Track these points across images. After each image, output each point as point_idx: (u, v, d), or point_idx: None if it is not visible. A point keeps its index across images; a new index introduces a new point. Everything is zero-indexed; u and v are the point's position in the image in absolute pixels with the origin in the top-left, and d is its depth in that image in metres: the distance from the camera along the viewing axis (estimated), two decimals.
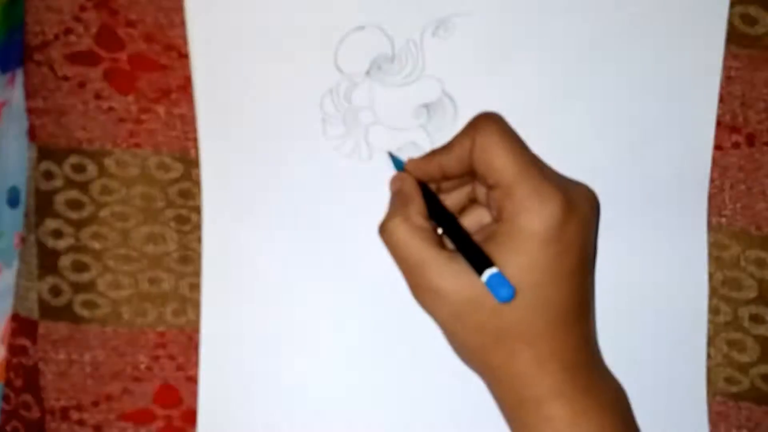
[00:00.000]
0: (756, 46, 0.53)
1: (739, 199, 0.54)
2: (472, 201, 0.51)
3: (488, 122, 0.47)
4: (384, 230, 0.48)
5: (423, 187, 0.50)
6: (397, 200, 0.49)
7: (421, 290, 0.47)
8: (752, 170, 0.54)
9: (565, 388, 0.46)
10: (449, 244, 0.48)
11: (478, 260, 0.45)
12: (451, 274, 0.45)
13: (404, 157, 0.52)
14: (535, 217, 0.45)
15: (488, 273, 0.44)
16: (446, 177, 0.50)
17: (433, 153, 0.50)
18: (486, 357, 0.47)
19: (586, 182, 0.50)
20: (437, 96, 0.53)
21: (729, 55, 0.53)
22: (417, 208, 0.48)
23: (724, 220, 0.54)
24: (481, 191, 0.50)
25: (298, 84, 0.53)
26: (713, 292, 0.54)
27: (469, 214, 0.51)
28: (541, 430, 0.46)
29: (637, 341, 0.54)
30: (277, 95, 0.53)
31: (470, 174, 0.49)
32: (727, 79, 0.53)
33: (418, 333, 0.53)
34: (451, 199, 0.51)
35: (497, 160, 0.46)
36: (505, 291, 0.43)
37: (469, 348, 0.48)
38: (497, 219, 0.47)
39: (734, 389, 0.54)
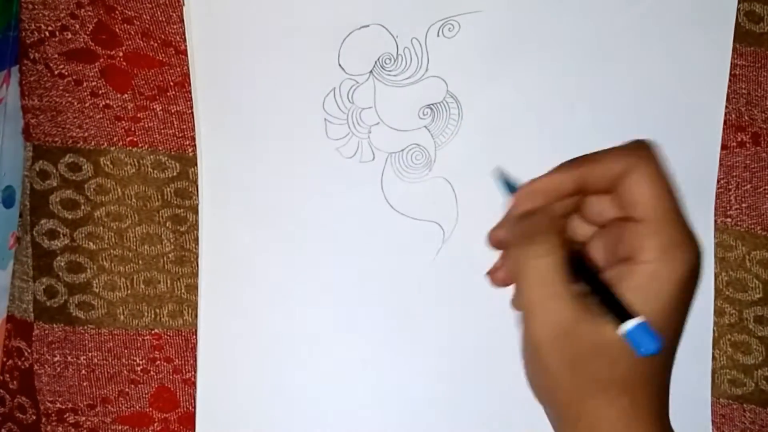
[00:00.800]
0: (761, 44, 0.53)
1: (744, 199, 0.53)
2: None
3: (651, 152, 0.43)
4: (526, 259, 0.43)
5: None
6: (538, 228, 0.44)
7: (544, 327, 0.43)
8: (758, 169, 0.53)
9: None
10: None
11: (618, 309, 0.41)
12: (582, 317, 0.42)
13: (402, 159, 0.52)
14: (679, 262, 0.41)
15: (634, 323, 0.40)
16: (573, 193, 0.45)
17: (570, 167, 0.45)
18: (582, 403, 0.44)
19: None
20: (441, 96, 0.53)
21: (734, 53, 0.53)
22: (561, 239, 0.43)
23: (729, 220, 0.53)
24: (575, 224, 0.46)
25: (300, 83, 0.53)
26: (718, 293, 0.54)
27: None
28: None
29: None
30: (279, 94, 0.53)
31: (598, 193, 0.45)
32: (732, 78, 0.53)
33: (419, 335, 0.53)
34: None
35: (654, 194, 0.42)
36: (654, 344, 0.40)
37: (558, 385, 0.44)
38: (631, 258, 0.43)
39: (739, 391, 0.54)
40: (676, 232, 0.42)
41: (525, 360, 0.45)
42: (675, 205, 0.43)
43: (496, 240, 0.46)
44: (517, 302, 0.44)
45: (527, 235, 0.44)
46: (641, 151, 0.44)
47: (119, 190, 0.54)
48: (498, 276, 0.46)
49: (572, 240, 0.46)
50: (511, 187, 0.46)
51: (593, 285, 0.43)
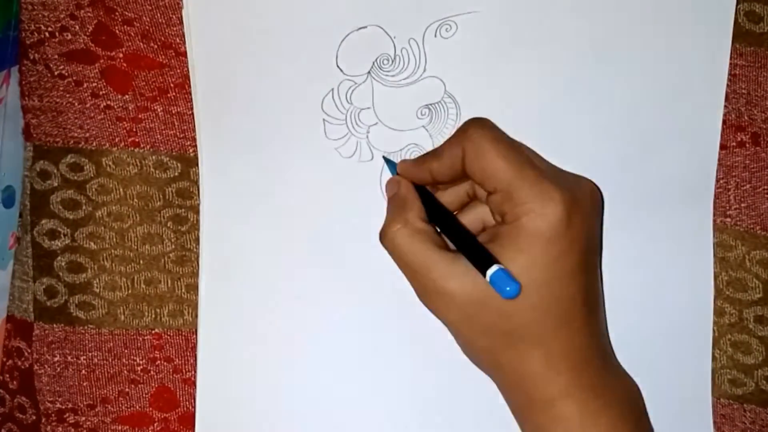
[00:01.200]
0: (761, 44, 0.53)
1: (744, 199, 0.53)
2: (472, 198, 0.51)
3: (477, 128, 0.47)
4: (384, 236, 0.48)
5: (420, 188, 0.49)
6: (395, 205, 0.49)
7: (427, 294, 0.47)
8: (757, 169, 0.53)
9: (575, 388, 0.45)
10: (452, 246, 0.47)
11: (482, 259, 0.44)
12: (456, 275, 0.45)
13: (401, 159, 0.52)
14: (537, 218, 0.44)
15: (492, 270, 0.43)
16: (437, 182, 0.49)
17: (424, 158, 0.50)
18: (495, 358, 0.47)
19: None
20: (439, 96, 0.53)
21: (734, 52, 0.53)
22: (416, 211, 0.48)
23: (729, 220, 0.53)
24: (480, 190, 0.49)
25: (300, 84, 0.53)
26: (718, 293, 0.53)
27: (470, 211, 0.50)
28: (553, 430, 0.46)
29: (642, 343, 0.53)
30: (278, 95, 0.53)
31: (464, 179, 0.49)
32: (732, 77, 0.53)
33: (419, 334, 0.53)
34: (449, 197, 0.51)
35: (491, 166, 0.45)
36: (510, 287, 0.43)
37: (478, 350, 0.47)
38: (500, 222, 0.46)
39: (739, 391, 0.54)
40: (528, 190, 0.45)
41: (453, 336, 0.48)
42: (520, 167, 0.45)
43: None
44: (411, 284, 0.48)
45: (387, 218, 0.48)
46: (469, 132, 0.47)
47: (121, 190, 0.54)
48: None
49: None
50: (393, 167, 0.52)
51: (458, 242, 0.46)
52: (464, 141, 0.47)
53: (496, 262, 0.44)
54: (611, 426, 0.45)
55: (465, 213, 0.50)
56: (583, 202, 0.46)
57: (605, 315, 0.50)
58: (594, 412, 0.45)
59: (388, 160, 0.52)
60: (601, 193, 0.49)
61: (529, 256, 0.44)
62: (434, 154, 0.49)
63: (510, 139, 0.48)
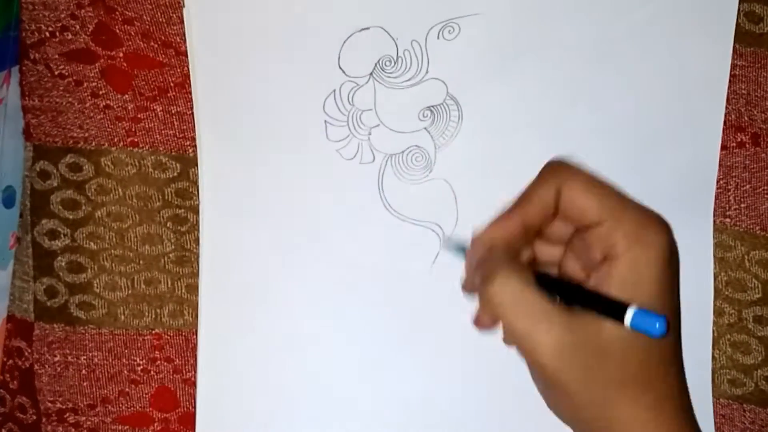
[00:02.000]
0: (761, 44, 0.53)
1: (743, 200, 0.53)
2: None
3: (568, 167, 0.44)
4: (491, 282, 0.42)
5: None
6: (494, 258, 0.44)
7: (543, 348, 0.42)
8: (757, 170, 0.53)
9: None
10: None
11: (609, 306, 0.41)
12: (577, 327, 0.42)
13: (403, 161, 0.52)
14: (654, 243, 0.42)
15: (631, 312, 0.40)
16: (526, 233, 0.46)
17: (511, 212, 0.46)
18: (607, 411, 0.43)
19: None
20: (441, 98, 0.53)
21: (734, 53, 0.53)
22: (521, 265, 0.44)
23: (728, 220, 0.53)
24: (543, 250, 0.47)
25: (301, 85, 0.53)
26: (717, 293, 0.54)
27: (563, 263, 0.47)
28: None
29: None
30: (279, 96, 0.53)
31: (543, 229, 0.46)
32: (732, 78, 0.53)
33: (419, 334, 0.53)
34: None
35: (593, 199, 0.43)
36: (659, 323, 0.39)
37: (586, 402, 0.43)
38: (605, 257, 0.43)
39: (738, 391, 0.54)
40: (636, 218, 0.42)
41: (540, 390, 0.45)
42: (620, 195, 0.43)
43: (468, 291, 0.46)
44: (507, 337, 0.43)
45: (487, 274, 0.43)
46: (557, 168, 0.44)
47: (120, 190, 0.54)
48: (482, 321, 0.45)
49: (546, 264, 0.46)
50: (462, 248, 0.47)
51: (576, 297, 0.43)
52: (556, 178, 0.44)
53: (627, 304, 0.40)
54: None
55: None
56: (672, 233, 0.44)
57: None
58: None
59: (453, 242, 0.49)
60: None
61: (655, 285, 0.41)
62: (521, 204, 0.46)
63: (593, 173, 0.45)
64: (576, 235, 0.45)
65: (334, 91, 0.53)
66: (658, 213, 0.44)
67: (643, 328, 0.39)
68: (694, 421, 0.44)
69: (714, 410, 0.54)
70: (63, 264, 0.54)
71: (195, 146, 0.53)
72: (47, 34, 0.52)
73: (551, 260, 0.47)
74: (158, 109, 0.53)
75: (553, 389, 0.44)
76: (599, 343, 0.41)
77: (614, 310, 0.40)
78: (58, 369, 0.54)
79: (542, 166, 0.45)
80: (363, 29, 0.52)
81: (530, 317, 0.42)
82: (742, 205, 0.53)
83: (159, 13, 0.53)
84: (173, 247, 0.54)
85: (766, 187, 0.53)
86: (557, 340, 0.41)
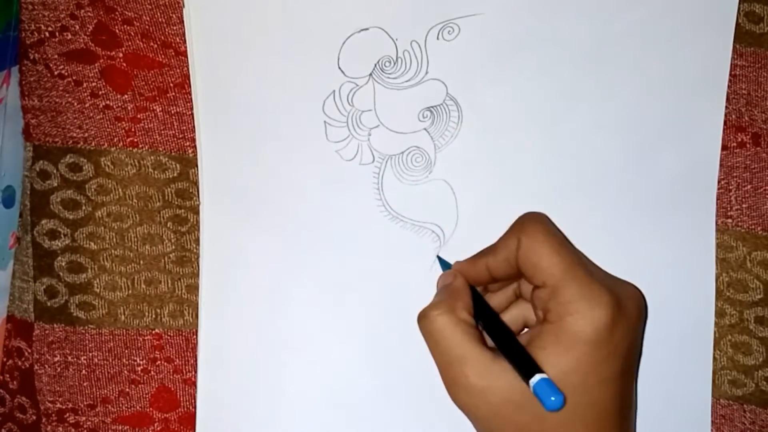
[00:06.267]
0: (761, 44, 0.53)
1: (745, 200, 0.53)
2: (518, 297, 0.50)
3: (534, 222, 0.46)
4: (425, 317, 0.46)
5: (470, 288, 0.49)
6: (445, 292, 0.48)
7: (457, 387, 0.45)
8: (758, 170, 0.53)
9: None
10: (490, 343, 0.47)
11: (525, 365, 0.43)
12: (494, 375, 0.44)
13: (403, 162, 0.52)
14: (582, 320, 0.43)
15: (536, 379, 0.42)
16: (493, 279, 0.49)
17: (479, 255, 0.49)
18: None
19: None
20: (441, 99, 0.53)
21: (734, 53, 0.53)
22: (463, 303, 0.47)
23: (730, 221, 0.53)
24: (527, 287, 0.49)
25: (300, 86, 0.53)
26: (718, 294, 0.53)
27: (513, 309, 0.50)
28: None
29: (643, 343, 0.53)
30: (279, 96, 0.53)
31: (516, 277, 0.48)
32: (732, 78, 0.53)
33: (419, 336, 0.53)
34: (497, 299, 0.50)
35: (544, 260, 0.45)
36: (555, 398, 0.41)
37: None
38: (543, 320, 0.45)
39: (739, 392, 0.54)
40: (576, 290, 0.44)
41: (476, 428, 0.47)
42: (571, 266, 0.45)
43: None
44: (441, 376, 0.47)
45: (431, 304, 0.47)
46: (525, 224, 0.47)
47: (120, 190, 0.54)
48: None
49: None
50: (446, 266, 0.51)
51: (502, 343, 0.45)
52: (520, 233, 0.46)
53: (540, 370, 0.42)
54: None
55: (508, 310, 0.50)
56: (628, 309, 0.45)
57: (635, 421, 0.49)
58: None
59: (441, 260, 0.52)
60: (645, 300, 0.48)
61: (571, 360, 0.43)
62: (489, 249, 0.49)
63: (565, 237, 0.47)
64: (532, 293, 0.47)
65: (334, 91, 0.53)
66: (615, 284, 0.46)
67: (541, 398, 0.41)
68: None
69: (714, 411, 0.54)
70: (63, 264, 0.54)
71: (194, 147, 0.53)
72: (47, 34, 0.52)
73: (503, 307, 0.51)
74: (158, 110, 0.53)
75: (477, 429, 0.47)
76: (517, 396, 0.44)
77: (527, 369, 0.43)
78: (58, 369, 0.54)
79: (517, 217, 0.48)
80: (362, 30, 0.52)
81: (457, 354, 0.45)
82: (744, 206, 0.53)
83: (159, 14, 0.53)
84: (173, 247, 0.54)
85: (767, 188, 0.53)
86: (472, 384, 0.44)
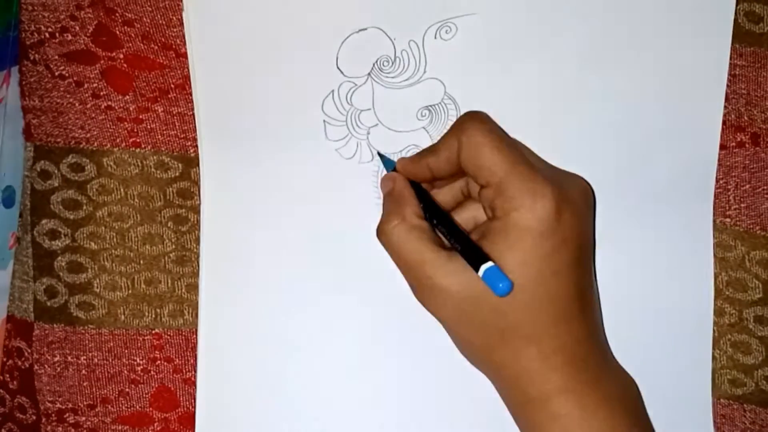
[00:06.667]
0: (761, 44, 0.53)
1: (743, 199, 0.53)
2: (467, 197, 0.51)
3: (473, 122, 0.47)
4: (381, 232, 0.48)
5: (415, 185, 0.50)
6: (391, 201, 0.49)
7: (422, 290, 0.47)
8: (757, 170, 0.53)
9: (571, 384, 0.45)
10: (448, 243, 0.48)
11: (474, 256, 0.44)
12: (451, 272, 0.45)
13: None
14: (527, 213, 0.44)
15: (484, 267, 0.43)
16: (436, 178, 0.50)
17: (421, 154, 0.50)
18: (491, 356, 0.47)
19: (590, 184, 0.49)
20: (439, 98, 0.53)
21: (734, 52, 0.53)
22: (412, 208, 0.48)
23: (728, 220, 0.53)
24: (474, 187, 0.49)
25: (300, 85, 0.53)
26: (718, 293, 0.53)
27: (464, 210, 0.51)
28: (550, 428, 0.46)
29: (642, 343, 0.53)
30: (279, 96, 0.53)
31: (460, 174, 0.49)
32: (732, 78, 0.53)
33: (419, 334, 0.53)
34: (444, 195, 0.51)
35: (485, 159, 0.46)
36: (503, 284, 0.43)
37: (473, 347, 0.47)
38: (491, 217, 0.46)
39: (739, 392, 0.54)
40: (519, 185, 0.45)
41: (448, 333, 0.49)
42: (513, 162, 0.46)
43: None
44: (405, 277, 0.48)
45: (384, 215, 0.49)
46: (464, 124, 0.47)
47: (122, 190, 0.54)
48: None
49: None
50: (389, 164, 0.52)
51: (453, 240, 0.47)
52: (460, 134, 0.47)
53: (489, 259, 0.44)
54: (609, 420, 0.45)
55: (459, 211, 0.51)
56: (574, 199, 0.46)
57: (601, 312, 0.50)
58: (591, 407, 0.45)
59: (383, 156, 0.52)
60: (593, 191, 0.50)
61: (520, 252, 0.44)
62: (431, 149, 0.49)
63: (505, 134, 0.48)
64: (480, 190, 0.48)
65: (333, 91, 0.53)
66: (560, 176, 0.47)
67: (490, 284, 0.43)
68: (590, 372, 0.46)
69: (714, 410, 0.54)
70: (63, 264, 0.54)
71: (196, 146, 0.53)
72: (47, 35, 0.53)
73: (453, 203, 0.51)
74: (159, 110, 0.53)
75: (448, 333, 0.48)
76: (475, 291, 0.45)
77: (476, 259, 0.44)
78: (58, 369, 0.54)
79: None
80: (361, 30, 0.52)
81: (415, 259, 0.46)
82: (742, 205, 0.53)
83: (159, 16, 0.53)
84: (174, 246, 0.54)
85: (766, 187, 0.53)
86: (433, 285, 0.46)
